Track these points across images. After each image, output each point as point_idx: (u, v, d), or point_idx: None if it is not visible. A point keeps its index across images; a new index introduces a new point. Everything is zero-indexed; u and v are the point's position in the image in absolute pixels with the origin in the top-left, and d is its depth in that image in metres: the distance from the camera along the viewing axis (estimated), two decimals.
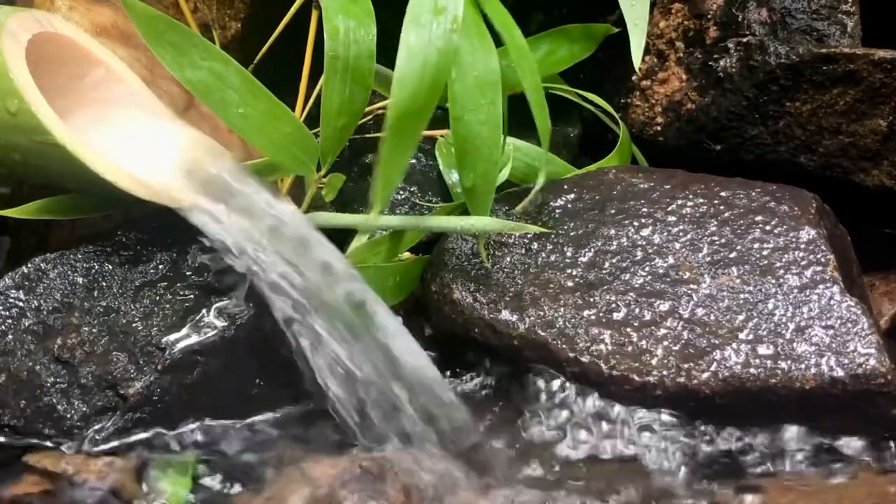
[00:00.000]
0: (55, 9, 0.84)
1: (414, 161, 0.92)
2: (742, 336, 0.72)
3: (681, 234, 0.78)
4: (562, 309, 0.75)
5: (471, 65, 0.74)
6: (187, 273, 0.76)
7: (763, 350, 0.71)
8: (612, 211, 0.80)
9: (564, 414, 0.73)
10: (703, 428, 0.71)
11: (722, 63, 0.89)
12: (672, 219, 0.79)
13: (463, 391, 0.77)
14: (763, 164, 0.88)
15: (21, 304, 0.74)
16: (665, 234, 0.78)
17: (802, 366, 0.70)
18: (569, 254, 0.78)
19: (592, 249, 0.78)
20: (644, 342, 0.73)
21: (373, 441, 0.71)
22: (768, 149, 0.88)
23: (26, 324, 0.74)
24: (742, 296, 0.74)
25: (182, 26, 0.74)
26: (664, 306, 0.74)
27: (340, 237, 0.78)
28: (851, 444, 0.71)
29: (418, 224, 0.80)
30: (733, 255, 0.76)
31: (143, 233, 0.78)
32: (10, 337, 0.73)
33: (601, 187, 0.82)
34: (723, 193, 0.80)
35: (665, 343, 0.72)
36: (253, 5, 0.97)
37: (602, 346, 0.73)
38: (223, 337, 0.74)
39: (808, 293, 0.73)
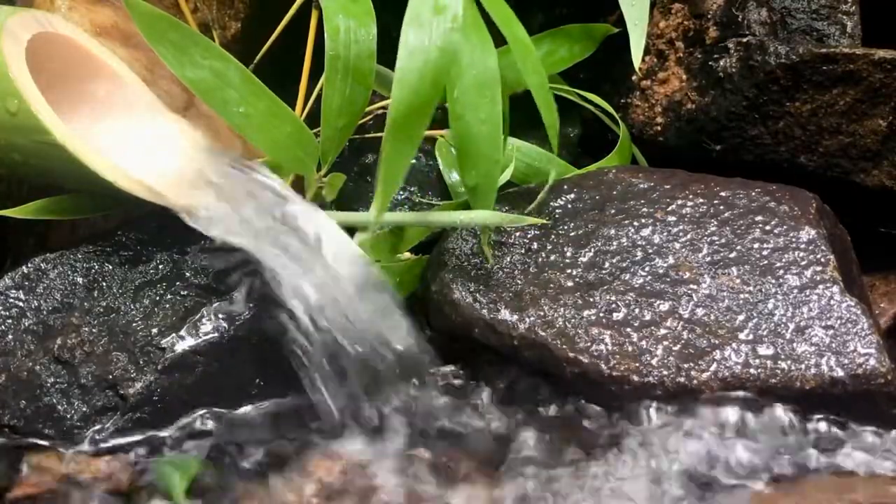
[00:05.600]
0: (55, 9, 0.84)
1: (414, 161, 0.92)
2: (742, 336, 0.72)
3: (681, 234, 0.78)
4: (562, 309, 0.75)
5: (470, 64, 0.74)
6: (187, 273, 0.76)
7: (763, 350, 0.71)
8: (612, 211, 0.80)
9: (573, 411, 0.73)
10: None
11: (722, 63, 0.89)
12: (672, 219, 0.79)
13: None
14: (763, 164, 0.88)
15: (21, 304, 0.74)
16: (665, 234, 0.78)
17: (802, 366, 0.70)
18: (569, 254, 0.78)
19: (592, 249, 0.78)
20: (644, 342, 0.73)
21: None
22: (768, 149, 0.88)
23: (26, 324, 0.74)
24: (742, 296, 0.74)
25: (183, 25, 0.74)
26: (664, 306, 0.74)
27: None
28: (851, 444, 0.71)
29: (419, 220, 0.80)
30: (733, 255, 0.76)
31: (143, 233, 0.78)
32: (10, 337, 0.73)
33: (601, 187, 0.82)
34: (723, 193, 0.80)
35: (665, 343, 0.72)
36: (253, 5, 0.97)
37: (602, 346, 0.73)
38: (223, 337, 0.74)
39: (808, 293, 0.73)
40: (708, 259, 0.76)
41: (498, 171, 0.77)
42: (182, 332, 0.74)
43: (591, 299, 0.75)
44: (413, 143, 0.72)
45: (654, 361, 0.72)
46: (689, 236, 0.78)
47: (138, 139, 0.77)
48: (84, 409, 0.72)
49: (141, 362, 0.73)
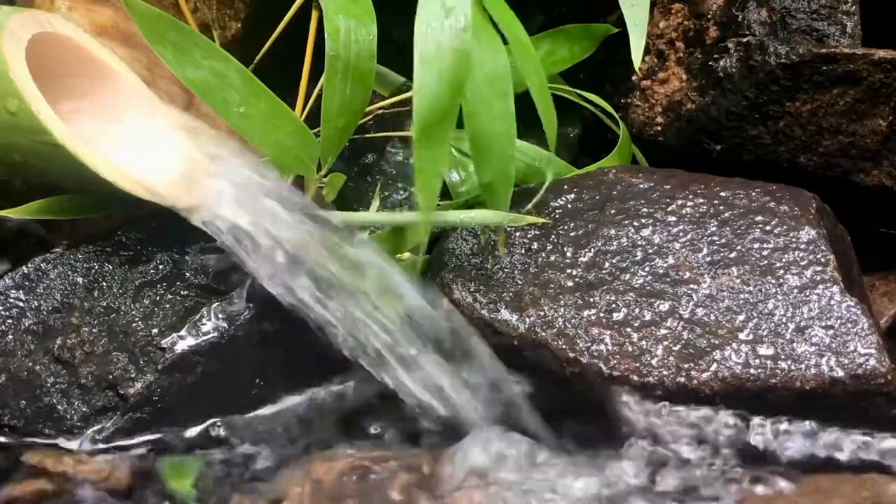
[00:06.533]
0: (55, 9, 0.84)
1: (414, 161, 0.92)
2: (742, 336, 0.72)
3: (681, 234, 0.78)
4: (562, 309, 0.75)
5: (481, 62, 0.74)
6: (187, 273, 0.76)
7: (763, 350, 0.71)
8: (612, 211, 0.80)
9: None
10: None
11: (722, 63, 0.89)
12: (672, 219, 0.79)
13: None
14: (763, 164, 0.88)
15: (21, 304, 0.74)
16: (665, 234, 0.78)
17: (802, 366, 0.70)
18: (569, 254, 0.78)
19: (592, 249, 0.78)
20: (644, 342, 0.73)
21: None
22: (768, 149, 0.88)
23: (26, 324, 0.74)
24: (742, 296, 0.74)
25: (183, 26, 0.75)
26: (664, 306, 0.74)
27: None
28: (851, 444, 0.71)
29: (419, 220, 0.80)
30: (733, 255, 0.76)
31: (143, 233, 0.78)
32: (10, 337, 0.73)
33: (601, 187, 0.82)
34: (723, 193, 0.80)
35: (665, 343, 0.72)
36: (253, 5, 0.97)
37: (602, 347, 0.73)
38: (223, 337, 0.74)
39: (808, 293, 0.73)
40: (708, 259, 0.76)
41: (513, 166, 0.76)
42: (182, 332, 0.74)
43: (591, 299, 0.75)
44: (444, 148, 0.71)
45: (654, 361, 0.72)
46: (689, 236, 0.78)
47: (138, 139, 0.77)
48: (84, 409, 0.72)
49: (141, 362, 0.73)
